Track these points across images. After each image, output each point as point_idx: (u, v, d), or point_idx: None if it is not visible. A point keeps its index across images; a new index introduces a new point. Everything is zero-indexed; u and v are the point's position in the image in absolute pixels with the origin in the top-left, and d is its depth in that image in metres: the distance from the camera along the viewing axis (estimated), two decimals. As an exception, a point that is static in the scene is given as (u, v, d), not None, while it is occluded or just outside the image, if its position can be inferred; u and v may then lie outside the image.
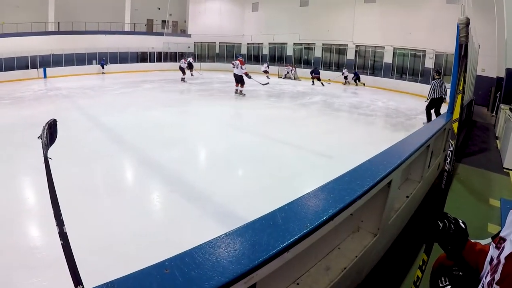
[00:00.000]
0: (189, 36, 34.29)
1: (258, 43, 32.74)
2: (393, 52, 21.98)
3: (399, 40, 21.32)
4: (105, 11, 30.32)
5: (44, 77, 24.15)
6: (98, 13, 29.72)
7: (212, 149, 7.69)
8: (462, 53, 1.77)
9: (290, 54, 29.57)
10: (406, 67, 21.44)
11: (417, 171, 3.88)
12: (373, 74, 22.95)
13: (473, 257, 1.29)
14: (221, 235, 1.35)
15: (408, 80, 21.13)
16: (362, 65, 23.99)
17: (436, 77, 10.19)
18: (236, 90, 15.21)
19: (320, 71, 23.43)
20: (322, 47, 26.68)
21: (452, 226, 1.33)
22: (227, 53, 34.44)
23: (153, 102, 13.82)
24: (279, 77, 25.74)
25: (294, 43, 29.14)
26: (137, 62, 30.77)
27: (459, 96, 2.00)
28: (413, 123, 10.15)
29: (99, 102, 13.70)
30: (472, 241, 1.35)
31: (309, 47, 28.14)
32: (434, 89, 9.81)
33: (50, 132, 1.08)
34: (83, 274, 0.95)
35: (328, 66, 26.31)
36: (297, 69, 25.85)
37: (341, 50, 25.41)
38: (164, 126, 9.34)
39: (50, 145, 1.05)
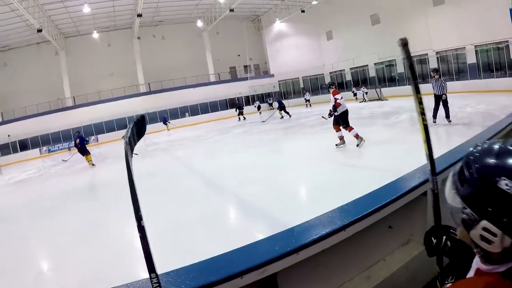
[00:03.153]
0: (272, 76, 35.64)
1: (340, 70, 32.74)
2: (475, 50, 20.46)
3: (478, 36, 19.64)
4: (189, 66, 33.36)
5: (143, 134, 26.97)
6: (183, 69, 32.90)
7: (301, 183, 7.88)
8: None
9: (373, 75, 29.02)
10: (492, 63, 19.78)
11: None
12: (459, 78, 21.35)
13: None
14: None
15: (497, 77, 19.22)
16: (447, 71, 22.45)
17: (436, 76, 10.92)
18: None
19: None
20: (403, 62, 25.70)
21: (448, 243, 1.27)
22: (312, 86, 35.03)
23: (242, 145, 14.77)
24: (362, 101, 25.29)
25: (374, 63, 28.59)
26: (227, 108, 32.65)
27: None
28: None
29: (194, 151, 15.05)
30: None
31: (390, 64, 27.44)
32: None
33: (138, 127, 1.21)
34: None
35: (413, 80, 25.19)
36: (382, 89, 25.24)
37: (422, 60, 24.25)
38: (248, 166, 9.96)
39: (139, 139, 1.22)
